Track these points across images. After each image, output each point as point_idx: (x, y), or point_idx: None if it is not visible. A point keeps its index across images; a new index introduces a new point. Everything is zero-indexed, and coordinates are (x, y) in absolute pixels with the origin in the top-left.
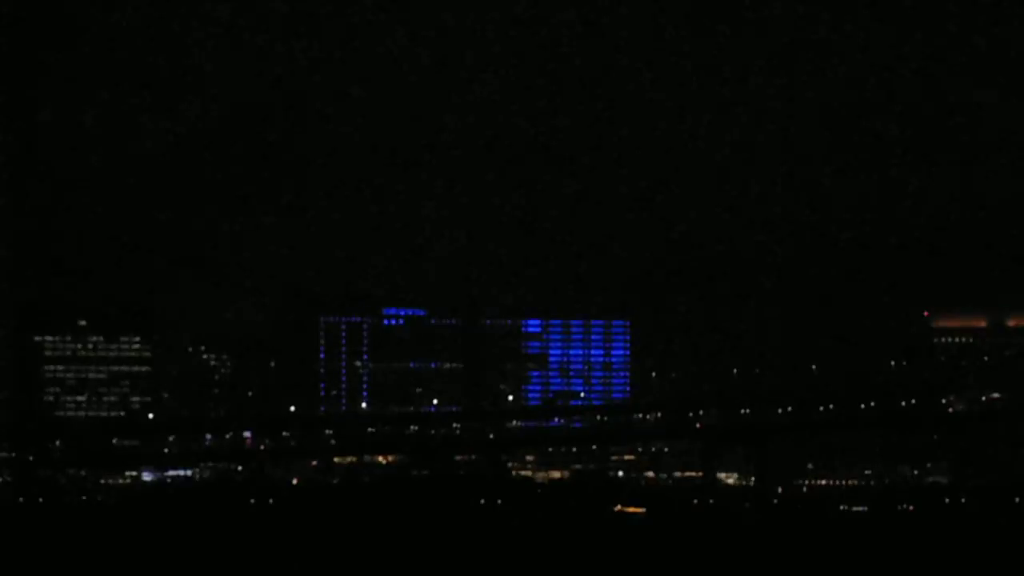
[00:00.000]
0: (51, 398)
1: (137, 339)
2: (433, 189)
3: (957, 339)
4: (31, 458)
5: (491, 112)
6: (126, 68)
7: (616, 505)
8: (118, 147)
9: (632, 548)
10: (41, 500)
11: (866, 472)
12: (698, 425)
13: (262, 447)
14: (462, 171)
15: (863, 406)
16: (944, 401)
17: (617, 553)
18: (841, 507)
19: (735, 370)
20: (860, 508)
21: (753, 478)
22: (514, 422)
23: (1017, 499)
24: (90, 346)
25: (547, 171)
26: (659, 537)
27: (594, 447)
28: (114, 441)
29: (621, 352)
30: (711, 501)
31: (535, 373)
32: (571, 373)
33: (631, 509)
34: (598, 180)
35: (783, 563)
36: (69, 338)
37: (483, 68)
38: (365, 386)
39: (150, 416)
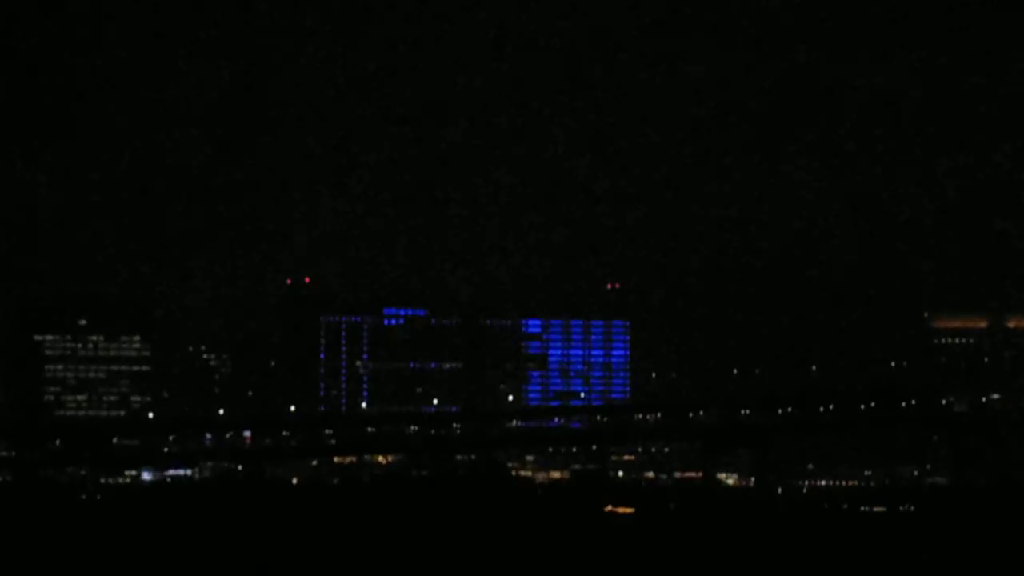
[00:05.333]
0: (51, 397)
1: (137, 338)
2: (434, 191)
3: (957, 340)
4: (31, 457)
5: (491, 113)
6: (128, 68)
7: (608, 505)
8: (118, 148)
9: (618, 548)
10: (41, 499)
11: (866, 473)
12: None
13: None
14: (463, 172)
15: (863, 407)
16: (944, 402)
17: (603, 553)
18: (844, 507)
19: (735, 371)
20: (876, 508)
21: (753, 478)
22: (514, 422)
23: (1017, 500)
24: (90, 345)
25: (549, 172)
26: (646, 537)
27: (594, 447)
28: (114, 440)
29: (621, 352)
30: (707, 501)
31: (535, 373)
32: (571, 373)
33: (621, 509)
34: (599, 181)
35: (779, 563)
36: (69, 337)
37: (483, 69)
38: (365, 386)
39: (150, 415)
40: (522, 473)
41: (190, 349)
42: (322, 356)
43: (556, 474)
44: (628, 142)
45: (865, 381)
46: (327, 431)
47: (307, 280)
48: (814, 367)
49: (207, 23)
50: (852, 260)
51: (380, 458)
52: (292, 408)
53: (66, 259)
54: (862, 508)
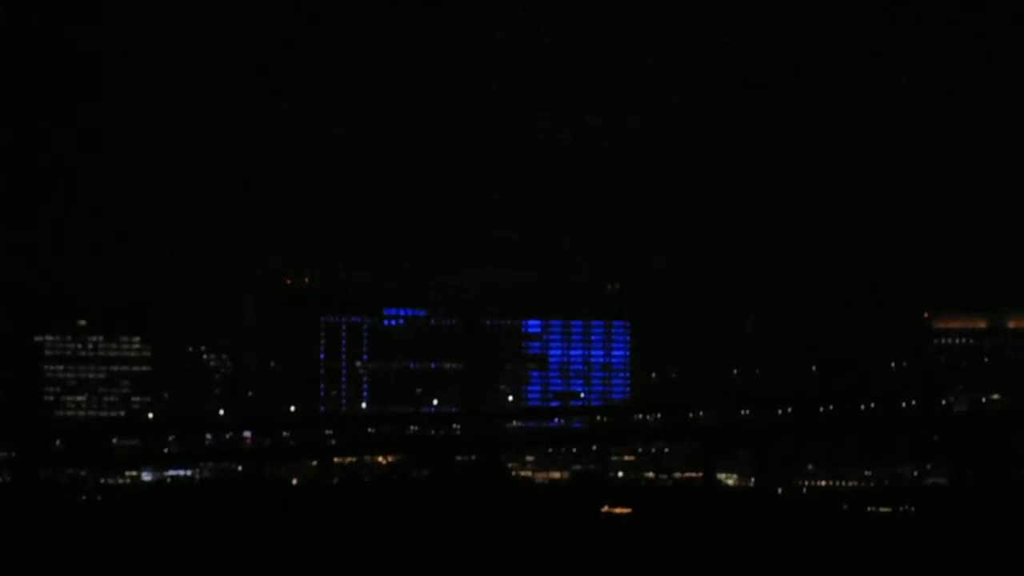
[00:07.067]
0: (51, 398)
1: (137, 339)
2: (434, 188)
3: (957, 340)
4: (31, 458)
5: (491, 110)
6: (125, 67)
7: (605, 505)
8: (118, 147)
9: (615, 548)
10: (41, 500)
11: (866, 473)
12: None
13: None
14: (463, 170)
15: (863, 407)
16: (944, 402)
17: (600, 553)
18: (844, 507)
19: (735, 371)
20: (883, 508)
21: (753, 479)
22: (514, 422)
23: (1017, 500)
24: (90, 346)
25: (548, 170)
26: (643, 537)
27: (594, 448)
28: (114, 441)
29: (621, 353)
30: (706, 501)
31: (535, 373)
32: (571, 374)
33: (619, 509)
34: (599, 179)
35: (779, 564)
36: (69, 338)
37: (482, 68)
38: (365, 386)
39: (150, 416)
40: (522, 473)
41: (190, 349)
42: (322, 356)
43: (556, 474)
44: (628, 141)
45: (865, 381)
46: (327, 431)
47: (307, 280)
48: (814, 367)
49: (205, 23)
50: (852, 260)
51: (380, 458)
52: (292, 408)
53: (66, 259)
54: (868, 508)
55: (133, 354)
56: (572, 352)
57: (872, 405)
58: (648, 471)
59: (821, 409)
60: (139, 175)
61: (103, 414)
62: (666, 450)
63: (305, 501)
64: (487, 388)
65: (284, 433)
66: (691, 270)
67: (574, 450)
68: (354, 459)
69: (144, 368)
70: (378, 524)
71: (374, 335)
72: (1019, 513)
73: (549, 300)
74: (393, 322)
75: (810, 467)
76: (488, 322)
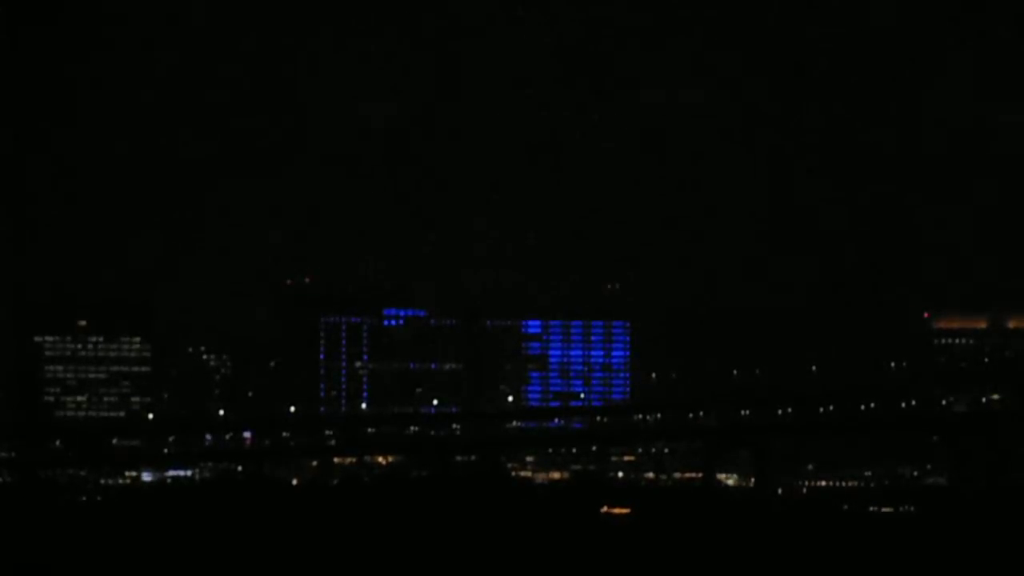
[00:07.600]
0: (51, 398)
1: (137, 339)
2: (434, 189)
3: (957, 340)
4: (31, 458)
5: (493, 110)
6: (126, 68)
7: (604, 506)
8: (118, 148)
9: (613, 548)
10: (41, 500)
11: (866, 473)
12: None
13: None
14: (463, 170)
15: (863, 407)
16: (944, 402)
17: (598, 553)
18: (844, 507)
19: (735, 371)
20: (885, 509)
21: (753, 479)
22: (514, 423)
23: (1017, 500)
24: (90, 346)
25: (549, 170)
26: (641, 537)
27: (594, 448)
28: (114, 441)
29: (621, 353)
30: (705, 502)
31: (535, 374)
32: (571, 374)
33: (617, 510)
34: (599, 182)
35: (779, 564)
36: (69, 338)
37: (485, 65)
38: (365, 386)
39: (150, 416)
40: (522, 474)
41: (190, 349)
42: (322, 356)
43: (556, 475)
44: (627, 141)
45: (865, 381)
46: (327, 431)
47: (307, 280)
48: (814, 367)
49: (205, 23)
50: (853, 260)
51: (380, 458)
52: (292, 409)
53: (65, 259)
54: (871, 508)
55: (133, 354)
56: (572, 352)
57: (872, 405)
58: (648, 471)
59: (821, 409)
60: (139, 175)
61: (103, 414)
62: (666, 450)
63: (305, 501)
64: (487, 388)
65: (284, 433)
66: (691, 270)
67: (574, 450)
68: (354, 459)
69: (144, 368)
70: (378, 524)
71: (374, 335)
72: (1019, 513)
73: (549, 300)
74: (393, 322)
75: (810, 467)
76: (488, 322)
